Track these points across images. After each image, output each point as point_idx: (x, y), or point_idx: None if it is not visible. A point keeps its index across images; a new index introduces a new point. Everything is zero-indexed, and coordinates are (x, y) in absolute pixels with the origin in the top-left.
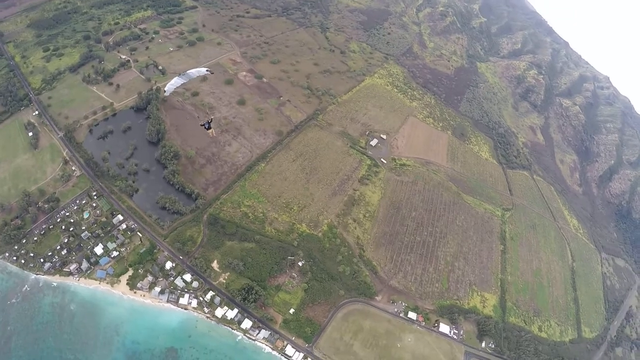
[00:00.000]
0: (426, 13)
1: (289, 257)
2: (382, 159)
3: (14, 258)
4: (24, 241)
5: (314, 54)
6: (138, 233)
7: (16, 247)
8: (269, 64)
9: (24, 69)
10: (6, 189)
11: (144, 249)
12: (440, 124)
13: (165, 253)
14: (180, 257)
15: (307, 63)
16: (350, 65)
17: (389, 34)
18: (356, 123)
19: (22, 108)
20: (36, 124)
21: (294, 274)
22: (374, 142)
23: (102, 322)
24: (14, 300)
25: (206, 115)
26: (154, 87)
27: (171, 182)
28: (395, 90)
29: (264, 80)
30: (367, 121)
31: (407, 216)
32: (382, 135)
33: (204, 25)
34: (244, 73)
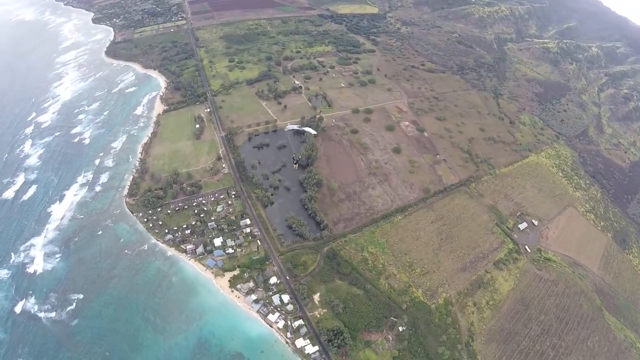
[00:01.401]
0: (608, 94)
1: (392, 318)
2: (526, 247)
3: (145, 220)
4: (159, 210)
5: (481, 119)
6: (258, 241)
7: (150, 212)
8: (434, 119)
9: (208, 72)
10: (161, 163)
11: (258, 257)
12: (602, 223)
13: (275, 268)
14: (287, 277)
15: (473, 126)
16: (517, 138)
17: (565, 111)
18: (509, 200)
19: (197, 103)
20: (205, 119)
21: (390, 336)
22: (522, 226)
23: (192, 302)
24: (128, 252)
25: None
26: (318, 116)
27: (305, 207)
28: (560, 174)
29: (425, 134)
30: (521, 201)
31: (534, 318)
32: (533, 221)
33: (378, 69)
34: (407, 123)
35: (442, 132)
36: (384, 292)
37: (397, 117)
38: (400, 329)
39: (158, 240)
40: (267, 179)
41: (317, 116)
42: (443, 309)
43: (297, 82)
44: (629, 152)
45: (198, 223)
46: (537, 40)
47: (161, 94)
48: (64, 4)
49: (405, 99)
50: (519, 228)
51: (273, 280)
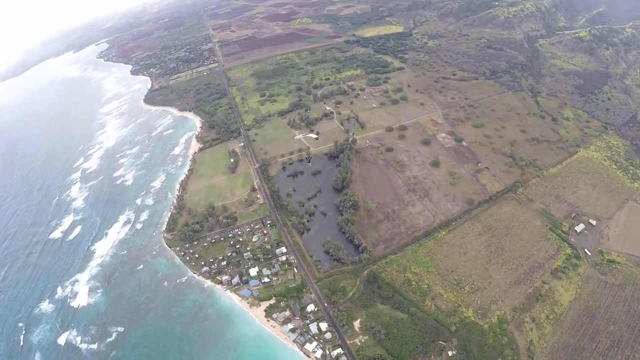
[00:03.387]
0: None
1: (440, 342)
2: (586, 250)
3: (182, 254)
4: (196, 243)
5: (521, 120)
6: (294, 269)
7: (187, 246)
8: (471, 128)
9: (241, 108)
10: (198, 198)
11: (294, 284)
12: None
13: (312, 296)
14: (325, 305)
15: (513, 129)
16: (562, 135)
17: (608, 99)
18: (561, 202)
19: (231, 139)
20: (239, 153)
21: None
22: (579, 228)
23: (227, 333)
24: (166, 284)
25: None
26: (350, 139)
27: (343, 230)
28: (614, 166)
29: (464, 144)
30: (575, 201)
31: (602, 329)
32: (591, 221)
33: (409, 86)
34: (443, 135)
35: (481, 139)
36: (431, 314)
37: (433, 130)
38: (450, 353)
39: (195, 273)
40: (303, 205)
41: (350, 139)
42: (497, 328)
43: (328, 108)
44: None
45: (234, 254)
46: (568, 31)
47: (197, 133)
48: (105, 60)
49: (440, 111)
50: (575, 231)
51: (310, 308)
